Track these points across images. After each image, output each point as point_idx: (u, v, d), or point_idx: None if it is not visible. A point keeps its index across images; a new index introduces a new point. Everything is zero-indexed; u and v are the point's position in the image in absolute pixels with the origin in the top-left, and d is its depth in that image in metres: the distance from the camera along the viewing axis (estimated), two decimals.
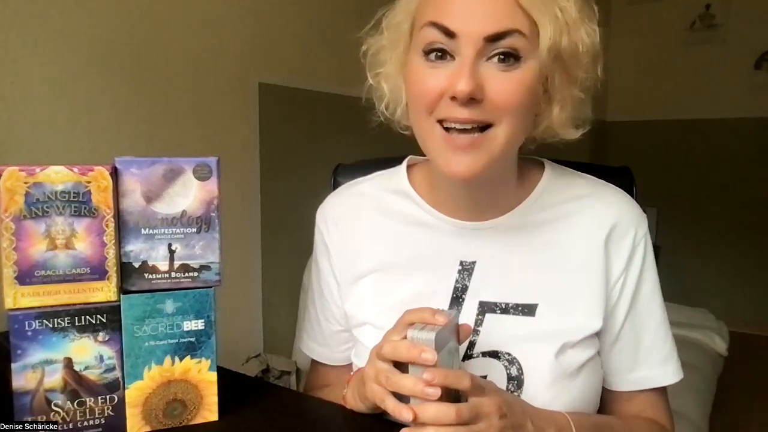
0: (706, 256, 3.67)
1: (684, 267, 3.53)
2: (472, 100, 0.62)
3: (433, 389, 0.56)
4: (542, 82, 0.67)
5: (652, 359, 0.76)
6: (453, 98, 0.63)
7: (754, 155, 3.53)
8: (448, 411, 0.57)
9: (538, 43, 0.63)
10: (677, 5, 3.69)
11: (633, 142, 3.86)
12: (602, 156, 3.87)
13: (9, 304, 0.58)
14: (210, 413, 0.67)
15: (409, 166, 0.83)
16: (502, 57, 0.63)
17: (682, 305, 2.52)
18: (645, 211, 0.79)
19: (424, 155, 0.75)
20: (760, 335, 3.38)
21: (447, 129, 0.65)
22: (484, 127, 0.64)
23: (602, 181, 0.80)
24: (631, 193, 0.83)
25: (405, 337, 0.60)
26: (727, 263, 3.64)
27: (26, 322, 0.58)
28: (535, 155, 0.81)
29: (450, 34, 0.63)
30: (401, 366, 0.61)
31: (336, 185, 1.01)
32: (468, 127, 0.64)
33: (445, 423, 0.57)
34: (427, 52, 0.66)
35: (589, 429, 0.69)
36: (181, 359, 0.65)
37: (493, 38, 0.62)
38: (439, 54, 0.65)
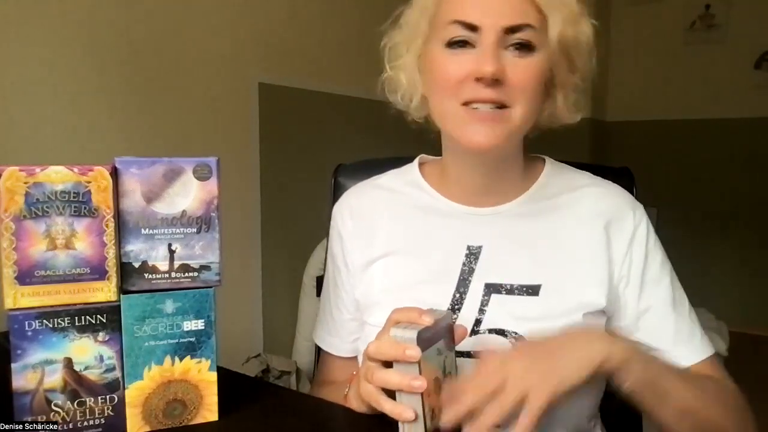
0: (706, 256, 3.67)
1: (684, 267, 3.50)
2: (496, 81, 0.69)
3: (419, 382, 0.57)
4: (550, 70, 0.74)
5: (680, 336, 0.78)
6: (478, 80, 0.69)
7: (754, 155, 3.53)
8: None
9: (546, 35, 0.72)
10: (677, 5, 3.68)
11: (633, 142, 3.86)
12: (602, 156, 3.87)
13: (9, 304, 0.58)
14: (210, 413, 0.67)
15: (420, 164, 0.88)
16: (517, 46, 0.71)
17: None
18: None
19: (433, 155, 0.79)
20: (760, 335, 3.38)
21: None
22: (501, 107, 0.71)
23: (598, 176, 0.84)
24: (630, 193, 0.84)
25: None
26: (727, 263, 3.64)
27: (26, 322, 0.58)
28: (536, 154, 0.86)
29: (473, 27, 0.70)
30: (391, 366, 0.61)
31: (336, 185, 1.01)
32: (489, 106, 0.71)
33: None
34: (449, 45, 0.72)
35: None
36: (181, 359, 0.65)
37: (510, 30, 0.70)
38: (461, 44, 0.72)
